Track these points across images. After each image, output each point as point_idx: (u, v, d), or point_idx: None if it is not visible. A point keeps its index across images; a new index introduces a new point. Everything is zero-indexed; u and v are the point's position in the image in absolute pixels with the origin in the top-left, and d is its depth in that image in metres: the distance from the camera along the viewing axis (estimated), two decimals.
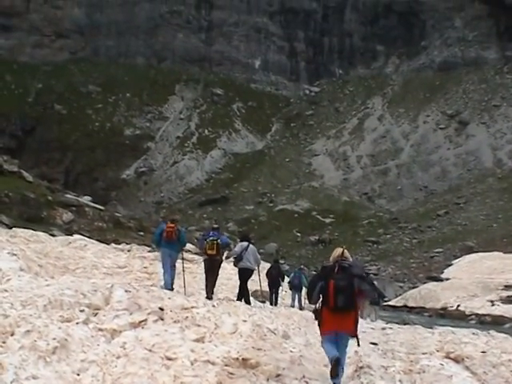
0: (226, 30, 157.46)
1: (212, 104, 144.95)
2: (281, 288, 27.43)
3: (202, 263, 18.69)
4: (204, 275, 17.94)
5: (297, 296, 27.96)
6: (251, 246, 17.89)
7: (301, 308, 25.87)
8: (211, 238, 17.33)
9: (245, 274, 17.69)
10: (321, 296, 9.53)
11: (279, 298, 26.90)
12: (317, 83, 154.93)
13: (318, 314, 9.61)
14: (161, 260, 18.40)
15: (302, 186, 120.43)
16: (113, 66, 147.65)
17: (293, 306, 26.65)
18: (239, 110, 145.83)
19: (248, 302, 16.97)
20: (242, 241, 18.45)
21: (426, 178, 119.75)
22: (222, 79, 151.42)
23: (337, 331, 9.42)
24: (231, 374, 8.52)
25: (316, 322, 9.84)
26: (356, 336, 9.52)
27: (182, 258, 18.47)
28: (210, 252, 17.22)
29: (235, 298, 17.23)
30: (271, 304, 24.46)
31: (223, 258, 17.94)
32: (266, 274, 26.86)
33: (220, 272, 18.11)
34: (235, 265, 17.89)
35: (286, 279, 30.13)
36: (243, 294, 17.62)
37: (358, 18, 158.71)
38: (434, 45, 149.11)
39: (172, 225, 17.38)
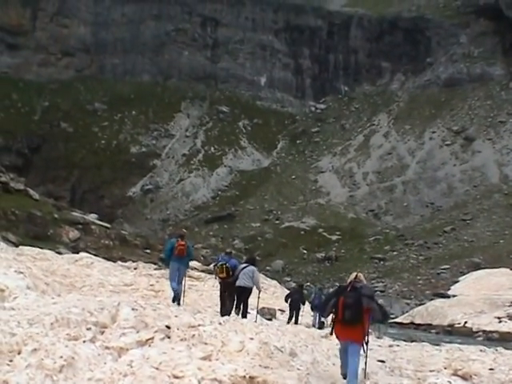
0: (231, 47, 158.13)
1: (218, 121, 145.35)
2: (301, 310, 27.99)
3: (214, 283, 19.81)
4: (219, 295, 19.37)
5: (317, 315, 28.29)
6: (250, 267, 18.71)
7: (320, 327, 26.24)
8: (220, 263, 18.69)
9: (238, 291, 18.52)
10: (333, 310, 11.11)
11: (299, 318, 27.76)
12: (322, 100, 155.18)
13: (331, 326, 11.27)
14: (169, 274, 19.47)
15: (308, 203, 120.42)
16: (119, 84, 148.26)
17: (314, 326, 27.19)
18: (245, 127, 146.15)
19: (245, 316, 17.83)
20: (245, 262, 19.35)
21: (432, 194, 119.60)
22: (227, 96, 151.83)
23: (346, 340, 10.85)
24: None
25: (322, 340, 10.32)
26: (362, 345, 10.80)
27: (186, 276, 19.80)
28: (221, 275, 18.63)
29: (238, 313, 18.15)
30: (288, 323, 25.62)
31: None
32: (287, 296, 28.15)
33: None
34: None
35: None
36: (239, 308, 18.57)
37: (363, 34, 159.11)
38: (440, 61, 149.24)
39: (183, 242, 18.50)
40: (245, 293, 18.59)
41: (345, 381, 10.23)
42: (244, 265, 18.95)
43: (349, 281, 11.32)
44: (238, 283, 18.43)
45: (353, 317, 10.63)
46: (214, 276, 22.87)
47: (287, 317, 28.90)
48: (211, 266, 44.50)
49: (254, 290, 18.95)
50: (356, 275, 11.39)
